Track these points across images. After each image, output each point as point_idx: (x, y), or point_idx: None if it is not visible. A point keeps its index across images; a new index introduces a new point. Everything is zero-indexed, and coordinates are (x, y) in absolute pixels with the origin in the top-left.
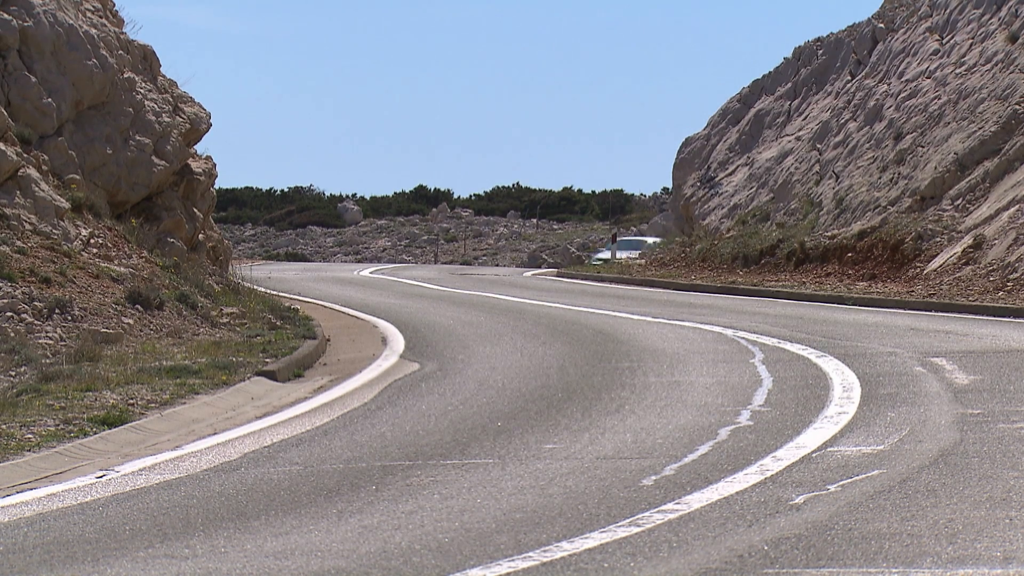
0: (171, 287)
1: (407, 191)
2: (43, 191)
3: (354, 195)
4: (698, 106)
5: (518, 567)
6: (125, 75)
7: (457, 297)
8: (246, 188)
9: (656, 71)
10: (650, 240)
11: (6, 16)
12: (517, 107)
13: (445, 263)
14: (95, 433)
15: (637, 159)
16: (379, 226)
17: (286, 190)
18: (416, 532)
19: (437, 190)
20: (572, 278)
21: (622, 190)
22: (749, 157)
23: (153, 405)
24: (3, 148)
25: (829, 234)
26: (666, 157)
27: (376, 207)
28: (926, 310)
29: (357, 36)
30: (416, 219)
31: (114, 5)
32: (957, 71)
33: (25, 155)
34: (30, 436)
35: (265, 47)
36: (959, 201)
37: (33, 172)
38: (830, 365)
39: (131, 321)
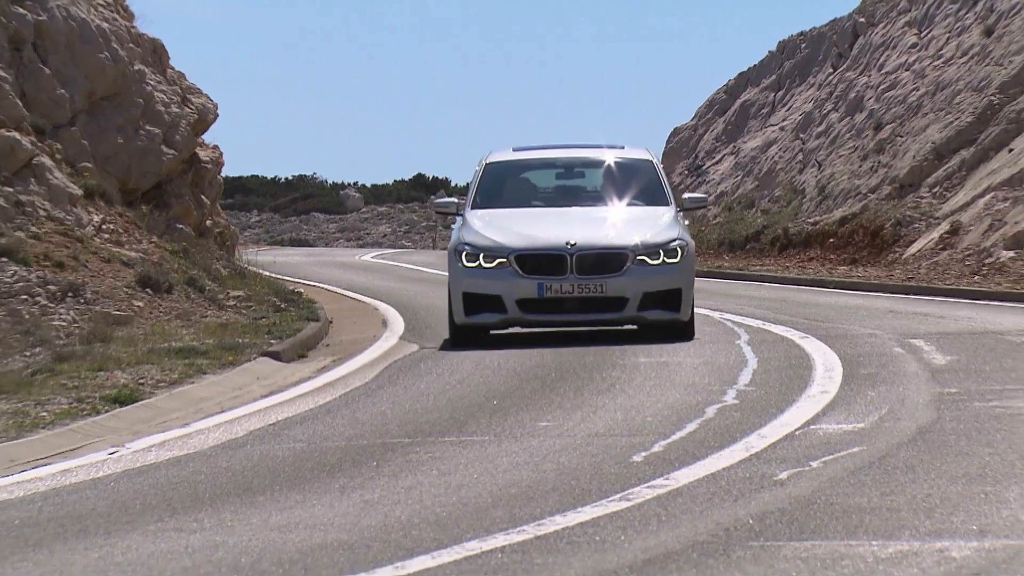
0: (180, 271)
1: (406, 179)
2: (57, 179)
3: (356, 183)
4: (686, 97)
5: (513, 540)
6: (135, 67)
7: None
8: (252, 176)
9: (644, 64)
10: None
11: (21, 11)
12: (511, 98)
13: (443, 248)
14: (107, 411)
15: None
16: (380, 213)
17: (290, 178)
18: (415, 507)
19: (435, 178)
20: None
21: None
22: (735, 146)
23: (162, 384)
24: (18, 137)
25: (812, 220)
26: (655, 146)
27: (377, 194)
28: (905, 293)
29: (355, 31)
30: (415, 206)
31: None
32: (935, 64)
33: (40, 144)
34: (44, 414)
35: (269, 41)
36: (936, 188)
37: (47, 160)
38: (812, 346)
39: (141, 304)
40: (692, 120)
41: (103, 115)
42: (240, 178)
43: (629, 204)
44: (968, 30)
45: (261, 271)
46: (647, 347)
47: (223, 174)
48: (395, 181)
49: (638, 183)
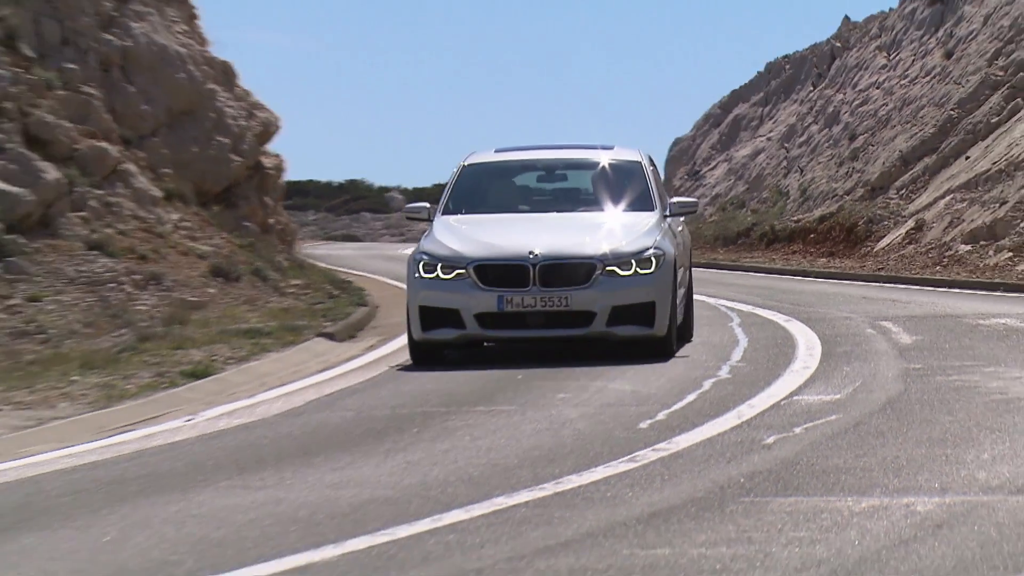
0: (247, 263)
1: (442, 183)
2: (141, 183)
3: (399, 186)
4: (685, 111)
5: (536, 496)
6: (208, 86)
7: None
8: (309, 180)
9: (647, 82)
10: None
11: (110, 37)
12: (529, 110)
13: None
14: (184, 384)
15: None
16: None
17: (343, 182)
18: (451, 467)
19: None
20: None
21: None
22: (728, 154)
23: (232, 361)
24: (108, 147)
25: (795, 219)
26: (659, 154)
27: (418, 196)
28: (875, 282)
29: (396, 55)
30: None
31: (200, 27)
32: (902, 83)
33: (126, 153)
34: (130, 386)
35: (326, 63)
36: (903, 191)
37: (133, 167)
38: (796, 327)
39: (214, 291)
40: (691, 131)
41: (181, 128)
42: (299, 182)
43: (611, 209)
44: (931, 53)
45: (317, 263)
46: None
47: (285, 178)
48: (434, 184)
49: (623, 187)
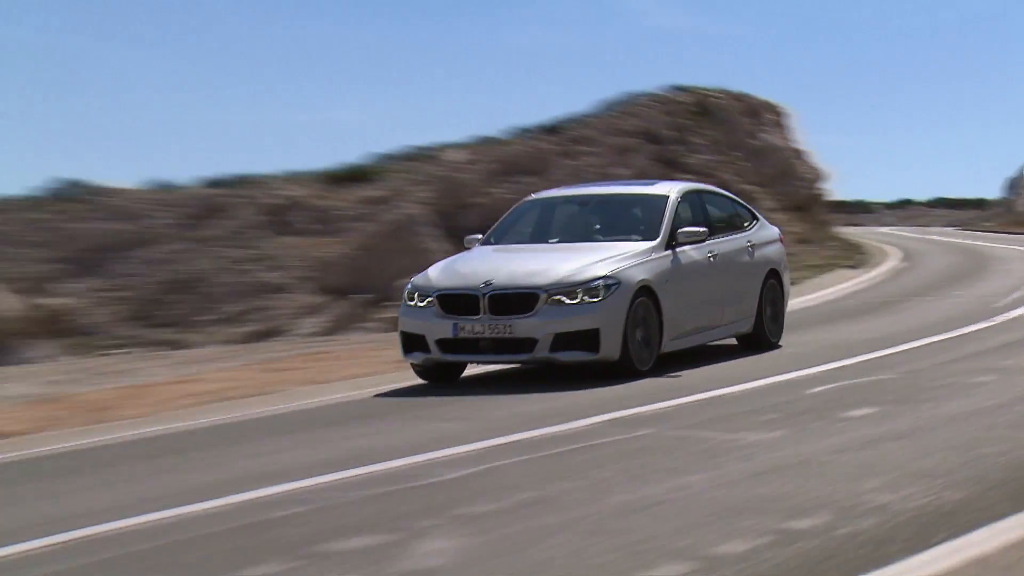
0: (815, 238)
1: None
2: (763, 205)
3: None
4: (1013, 161)
5: (937, 339)
6: (792, 160)
7: (912, 238)
8: (860, 200)
9: (985, 143)
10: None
11: (749, 140)
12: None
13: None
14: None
15: (973, 177)
16: (900, 215)
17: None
18: (896, 327)
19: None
20: (966, 231)
21: (983, 198)
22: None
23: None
24: (749, 188)
25: None
26: (997, 184)
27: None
28: None
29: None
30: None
31: (788, 131)
32: None
33: (759, 191)
34: None
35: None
36: None
37: (762, 199)
38: None
39: (798, 249)
40: (1016, 172)
41: (780, 180)
42: (844, 202)
43: (616, 240)
44: None
45: (847, 238)
46: (999, 263)
47: (830, 199)
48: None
49: (641, 219)
